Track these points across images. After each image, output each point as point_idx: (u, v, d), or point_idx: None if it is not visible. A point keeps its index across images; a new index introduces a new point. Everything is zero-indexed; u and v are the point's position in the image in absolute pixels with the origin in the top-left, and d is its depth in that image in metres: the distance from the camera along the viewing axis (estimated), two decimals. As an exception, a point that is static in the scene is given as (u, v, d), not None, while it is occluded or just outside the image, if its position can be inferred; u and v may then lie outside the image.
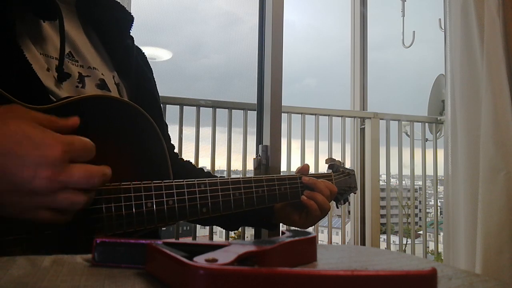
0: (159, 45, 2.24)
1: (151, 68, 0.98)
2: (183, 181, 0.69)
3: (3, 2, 0.66)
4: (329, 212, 1.06)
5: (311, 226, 0.97)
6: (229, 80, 2.28)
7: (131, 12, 0.92)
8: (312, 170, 0.96)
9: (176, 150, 1.02)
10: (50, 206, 0.49)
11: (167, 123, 1.00)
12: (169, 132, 0.99)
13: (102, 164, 0.53)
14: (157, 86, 0.98)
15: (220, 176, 1.04)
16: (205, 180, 0.72)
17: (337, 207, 1.10)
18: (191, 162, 1.04)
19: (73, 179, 0.48)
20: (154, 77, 0.98)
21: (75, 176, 0.48)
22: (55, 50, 0.73)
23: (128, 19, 0.90)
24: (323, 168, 1.09)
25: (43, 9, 0.71)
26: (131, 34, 0.92)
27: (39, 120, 0.50)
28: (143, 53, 0.98)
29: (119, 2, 0.91)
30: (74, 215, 0.52)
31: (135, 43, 0.94)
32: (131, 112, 0.69)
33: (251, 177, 0.80)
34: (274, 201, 0.84)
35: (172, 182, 0.68)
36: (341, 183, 1.03)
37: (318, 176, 0.96)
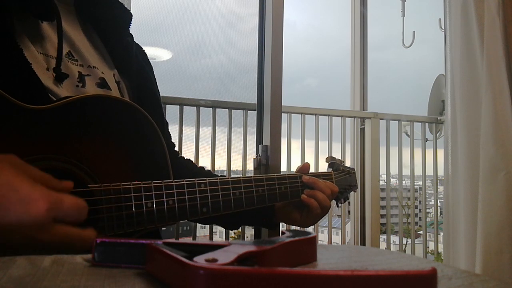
0: (160, 45, 2.24)
1: (151, 66, 0.98)
2: (183, 181, 0.69)
3: (1, 2, 0.66)
4: (329, 212, 1.06)
5: (312, 224, 0.97)
6: (229, 80, 2.28)
7: (133, 12, 0.92)
8: (312, 170, 0.96)
9: (176, 148, 1.02)
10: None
11: (167, 122, 1.00)
12: (169, 131, 0.99)
13: (101, 164, 0.53)
14: (157, 85, 0.98)
15: (221, 175, 1.04)
16: (205, 179, 0.72)
17: (337, 206, 1.11)
18: (192, 161, 1.04)
19: (50, 242, 0.46)
20: (155, 76, 0.98)
21: (54, 239, 0.46)
22: (54, 50, 0.73)
23: (127, 17, 0.90)
24: (323, 168, 1.09)
25: (41, 10, 0.71)
26: (130, 32, 0.92)
27: (32, 174, 0.48)
28: (143, 50, 0.97)
29: (117, 0, 0.90)
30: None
31: (136, 42, 0.94)
32: (130, 112, 0.69)
33: (251, 177, 0.80)
34: (275, 200, 0.84)
35: (172, 182, 0.67)
36: (342, 181, 1.03)
37: (319, 175, 0.96)
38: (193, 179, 0.71)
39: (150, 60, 0.99)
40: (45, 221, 0.45)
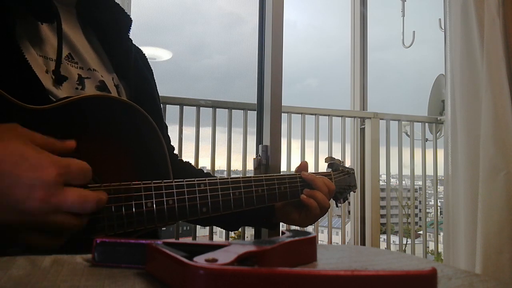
0: (160, 45, 2.24)
1: (151, 69, 0.98)
2: (183, 181, 0.69)
3: (2, 4, 0.66)
4: (329, 212, 1.06)
5: (311, 224, 0.97)
6: (230, 80, 2.28)
7: (133, 12, 0.92)
8: (312, 170, 0.96)
9: (175, 152, 1.02)
10: (42, 228, 0.49)
11: (167, 124, 1.00)
12: (169, 133, 0.99)
13: (102, 164, 0.53)
14: (157, 86, 0.98)
15: (220, 176, 1.03)
16: (205, 179, 0.72)
17: (337, 206, 1.11)
18: (191, 163, 1.04)
19: (66, 202, 0.48)
20: (155, 77, 0.98)
21: (68, 199, 0.49)
22: (54, 52, 0.73)
23: (127, 22, 0.90)
24: (323, 168, 1.09)
25: (41, 11, 0.71)
26: (129, 37, 0.92)
27: (37, 140, 0.50)
28: (144, 54, 0.97)
29: (119, 4, 0.91)
30: (67, 239, 0.52)
31: (136, 43, 0.94)
32: (130, 112, 0.69)
33: (250, 177, 0.80)
34: (274, 200, 0.84)
35: (172, 182, 0.67)
36: (341, 181, 1.03)
37: (318, 174, 0.96)
38: (193, 179, 0.71)
39: (150, 60, 0.99)
40: (57, 185, 0.48)
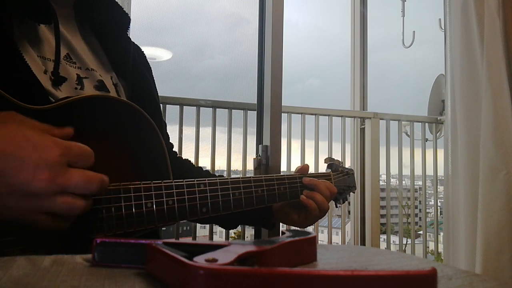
0: (162, 46, 2.24)
1: (150, 67, 0.98)
2: (182, 181, 0.69)
3: (0, 5, 0.66)
4: (329, 212, 1.06)
5: (310, 225, 0.97)
6: (231, 80, 2.28)
7: (133, 12, 0.92)
8: (312, 170, 0.96)
9: (174, 149, 1.02)
10: (48, 210, 0.49)
11: (168, 123, 1.00)
12: (168, 132, 0.99)
13: (101, 164, 0.53)
14: (157, 86, 0.98)
15: (219, 176, 1.03)
16: (205, 180, 0.72)
17: (336, 207, 1.11)
18: (190, 161, 1.04)
19: (71, 183, 0.49)
20: (155, 76, 0.98)
21: (73, 180, 0.49)
22: (52, 53, 0.73)
23: (125, 20, 0.90)
24: (323, 168, 1.09)
25: (37, 12, 0.71)
26: (128, 35, 0.92)
27: (36, 126, 0.51)
28: (142, 52, 0.97)
29: (117, 3, 0.91)
30: (72, 222, 0.52)
31: (136, 43, 0.94)
32: (130, 112, 0.69)
33: (250, 177, 0.80)
34: (274, 201, 0.84)
35: (171, 182, 0.68)
36: (340, 182, 1.04)
37: (318, 175, 0.96)
38: (193, 179, 0.71)
39: (151, 60, 0.99)
40: (61, 165, 0.48)
